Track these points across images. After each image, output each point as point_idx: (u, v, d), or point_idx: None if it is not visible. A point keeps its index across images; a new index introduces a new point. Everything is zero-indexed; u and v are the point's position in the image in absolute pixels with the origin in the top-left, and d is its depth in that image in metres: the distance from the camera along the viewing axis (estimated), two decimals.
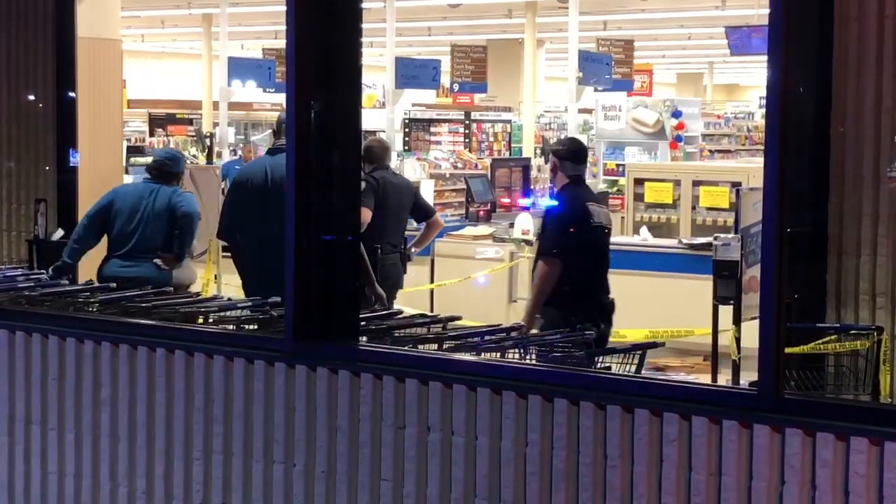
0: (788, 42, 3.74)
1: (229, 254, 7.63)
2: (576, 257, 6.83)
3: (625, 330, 9.03)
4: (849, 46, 5.25)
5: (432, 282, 11.12)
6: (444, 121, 22.34)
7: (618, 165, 17.64)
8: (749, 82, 45.77)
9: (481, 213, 12.60)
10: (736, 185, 10.60)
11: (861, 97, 5.23)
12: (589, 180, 17.81)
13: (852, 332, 5.14)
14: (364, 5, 4.95)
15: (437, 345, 4.87)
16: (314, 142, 4.63)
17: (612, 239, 11.37)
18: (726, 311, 7.12)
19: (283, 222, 4.59)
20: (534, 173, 16.03)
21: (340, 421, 4.44)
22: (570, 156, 6.98)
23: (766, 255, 3.80)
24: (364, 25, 4.87)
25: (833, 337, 5.11)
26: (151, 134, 23.66)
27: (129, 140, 20.81)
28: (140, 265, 7.70)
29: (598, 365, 4.77)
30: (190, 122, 24.89)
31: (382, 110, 17.66)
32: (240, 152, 17.89)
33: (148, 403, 4.91)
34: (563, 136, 19.00)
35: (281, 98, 16.86)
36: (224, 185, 13.31)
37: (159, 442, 4.89)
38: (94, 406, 5.07)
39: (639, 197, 12.08)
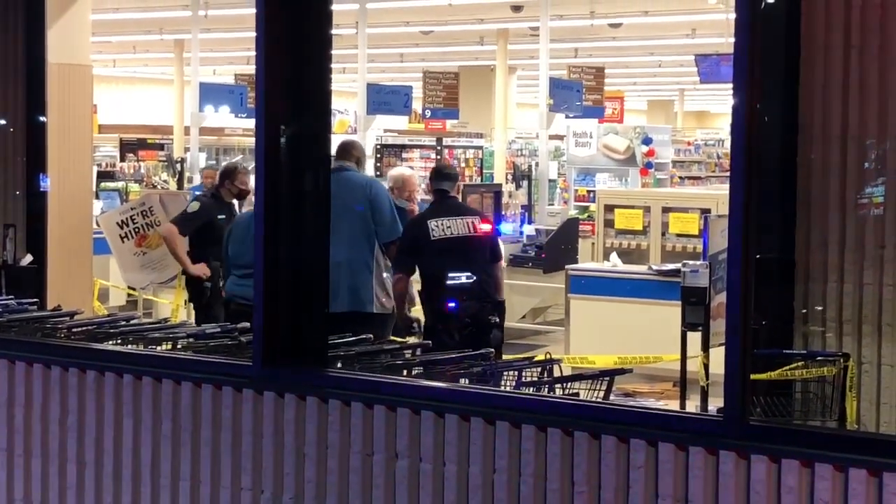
0: (754, 70, 3.78)
1: None
2: (422, 267, 7.73)
3: (594, 356, 9.05)
4: (815, 75, 5.30)
5: None
6: (416, 146, 22.33)
7: (588, 191, 17.70)
8: (719, 109, 46.03)
9: None
10: (705, 212, 10.65)
11: (828, 125, 5.28)
12: (559, 206, 17.99)
13: (819, 358, 5.17)
14: (336, 31, 4.97)
15: (405, 371, 4.87)
16: (284, 167, 4.64)
17: (582, 265, 11.58)
18: (695, 338, 7.14)
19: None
20: (505, 199, 16.05)
21: (308, 447, 4.43)
22: (432, 175, 8.16)
23: (731, 281, 3.82)
24: (336, 51, 4.90)
25: (800, 363, 5.14)
26: (122, 159, 23.58)
27: (99, 165, 20.76)
28: (248, 283, 7.89)
29: (567, 391, 4.78)
30: (161, 147, 24.81)
31: (354, 136, 17.66)
32: (198, 178, 17.71)
33: (115, 430, 4.89)
34: (533, 163, 19.11)
35: (253, 124, 16.84)
36: None
37: (126, 469, 4.86)
38: (61, 432, 5.04)
39: (609, 223, 12.12)
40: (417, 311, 8.03)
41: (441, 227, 7.68)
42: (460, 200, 8.44)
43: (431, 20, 20.73)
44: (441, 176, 8.06)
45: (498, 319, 7.68)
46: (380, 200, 7.72)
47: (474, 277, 7.63)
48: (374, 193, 7.72)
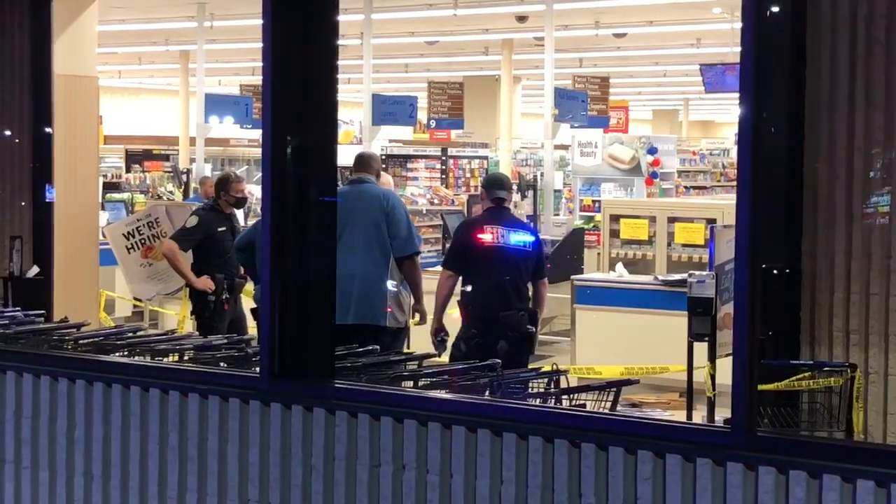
0: (760, 80, 3.78)
1: None
2: (470, 271, 7.81)
3: (600, 366, 9.04)
4: (821, 85, 5.30)
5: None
6: (421, 157, 22.38)
7: (594, 201, 17.69)
8: (724, 119, 46.05)
9: None
10: (711, 222, 10.63)
11: (833, 135, 5.28)
12: (564, 216, 17.99)
13: (826, 368, 5.16)
14: (341, 42, 4.98)
15: (412, 382, 4.87)
16: (290, 178, 4.64)
17: (588, 275, 11.58)
18: (701, 348, 7.13)
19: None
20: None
21: (315, 459, 4.43)
22: (488, 185, 8.19)
23: (738, 291, 3.82)
24: (341, 62, 4.90)
25: (807, 374, 5.13)
26: (128, 170, 23.62)
27: (105, 176, 20.77)
28: None
29: (573, 402, 4.78)
30: (167, 157, 24.87)
31: (359, 146, 17.67)
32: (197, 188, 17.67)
33: (122, 442, 4.89)
34: (538, 173, 19.12)
35: (258, 134, 16.82)
36: None
37: (134, 481, 4.86)
38: (69, 445, 5.04)
39: (614, 233, 12.09)
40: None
41: (495, 235, 7.75)
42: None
43: (436, 31, 20.76)
44: (498, 185, 8.11)
45: (534, 329, 7.80)
46: (396, 213, 7.67)
47: (518, 287, 7.75)
48: (391, 206, 7.68)
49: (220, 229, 9.21)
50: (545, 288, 8.08)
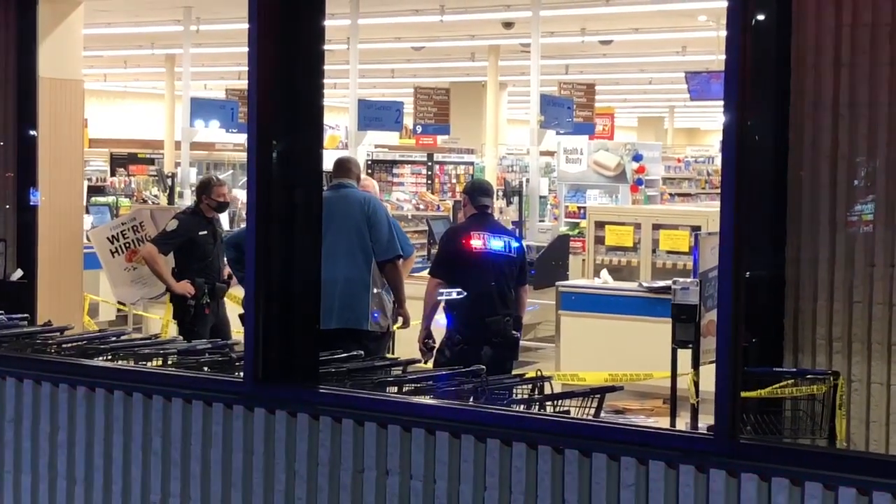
0: (744, 87, 3.79)
1: None
2: (457, 277, 7.78)
3: (584, 373, 9.05)
4: (805, 93, 5.32)
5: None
6: (407, 162, 22.38)
7: (579, 208, 17.70)
8: (709, 126, 46.11)
9: None
10: (695, 229, 10.66)
11: (817, 143, 5.30)
12: (549, 223, 18.01)
13: (809, 376, 5.18)
14: (327, 47, 4.98)
15: (396, 388, 4.87)
16: (276, 182, 4.64)
17: (573, 282, 11.60)
18: (685, 355, 7.15)
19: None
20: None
21: (299, 464, 4.43)
22: (472, 192, 8.09)
23: (722, 298, 3.83)
24: (327, 67, 4.90)
25: (790, 381, 5.15)
26: (113, 174, 23.56)
27: (90, 180, 20.72)
28: None
29: (557, 408, 4.78)
30: (152, 161, 24.80)
31: (345, 151, 17.66)
32: (189, 193, 17.62)
33: (105, 446, 4.88)
34: (523, 179, 19.14)
35: (244, 139, 16.79)
36: None
37: (116, 485, 4.85)
38: (51, 448, 5.03)
39: (599, 240, 12.12)
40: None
41: (482, 241, 7.78)
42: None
43: (423, 36, 20.77)
44: (483, 192, 8.12)
45: (519, 335, 7.87)
46: (378, 218, 7.66)
47: (504, 293, 7.77)
48: (372, 210, 7.67)
49: (201, 233, 9.18)
50: (526, 294, 8.11)
